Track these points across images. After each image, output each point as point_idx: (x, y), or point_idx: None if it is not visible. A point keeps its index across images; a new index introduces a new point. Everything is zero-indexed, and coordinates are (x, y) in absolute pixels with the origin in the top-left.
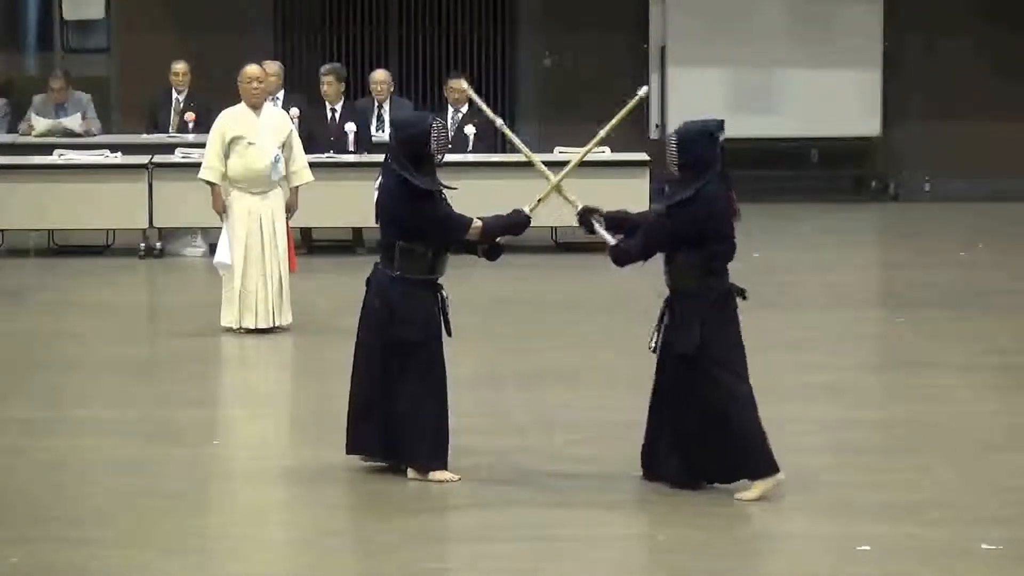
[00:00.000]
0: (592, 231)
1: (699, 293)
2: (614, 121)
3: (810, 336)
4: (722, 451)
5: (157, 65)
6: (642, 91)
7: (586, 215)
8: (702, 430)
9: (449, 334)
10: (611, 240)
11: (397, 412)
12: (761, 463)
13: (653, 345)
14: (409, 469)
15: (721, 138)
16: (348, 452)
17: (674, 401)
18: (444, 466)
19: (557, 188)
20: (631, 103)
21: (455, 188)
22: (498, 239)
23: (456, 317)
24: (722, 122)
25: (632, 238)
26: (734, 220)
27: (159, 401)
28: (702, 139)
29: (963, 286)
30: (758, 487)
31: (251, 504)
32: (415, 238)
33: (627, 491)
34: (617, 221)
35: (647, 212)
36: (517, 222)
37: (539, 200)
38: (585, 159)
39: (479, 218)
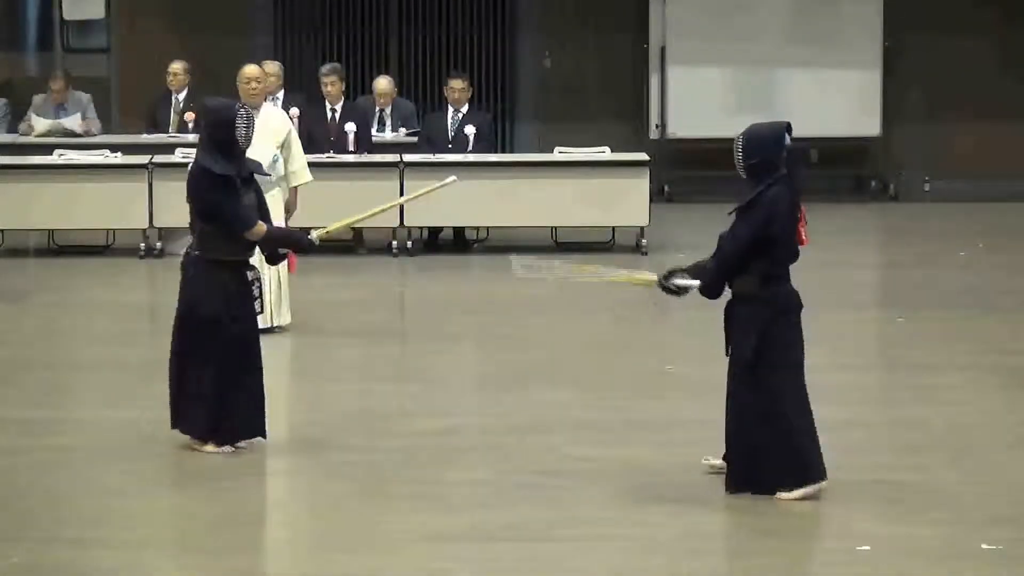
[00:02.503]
0: (681, 291)
1: (760, 298)
2: (415, 194)
3: (810, 336)
4: (775, 457)
5: (157, 65)
6: (450, 179)
7: (666, 281)
8: (755, 436)
9: (259, 312)
10: (695, 282)
11: (184, 386)
12: (810, 469)
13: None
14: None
15: (789, 141)
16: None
17: (732, 406)
18: (222, 442)
19: (350, 227)
20: (437, 186)
21: (269, 175)
22: (280, 250)
23: (455, 317)
24: (790, 124)
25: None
26: (802, 228)
27: (159, 401)
28: (770, 141)
29: (963, 286)
30: (802, 488)
31: (251, 503)
32: (208, 220)
33: (627, 491)
34: (698, 267)
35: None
36: (298, 242)
37: (328, 231)
38: (586, 159)
39: (267, 225)
